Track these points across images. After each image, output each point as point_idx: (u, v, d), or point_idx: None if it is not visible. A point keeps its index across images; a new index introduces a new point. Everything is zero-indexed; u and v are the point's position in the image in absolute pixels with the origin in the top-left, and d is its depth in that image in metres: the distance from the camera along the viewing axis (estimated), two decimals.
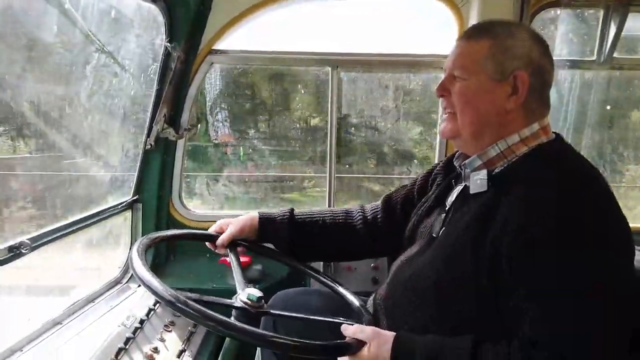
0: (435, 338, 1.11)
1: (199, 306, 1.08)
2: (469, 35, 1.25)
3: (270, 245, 1.63)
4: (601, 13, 2.29)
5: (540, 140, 1.18)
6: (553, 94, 1.26)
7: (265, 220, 1.59)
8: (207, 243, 1.58)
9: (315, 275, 1.59)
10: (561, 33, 2.34)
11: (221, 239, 1.53)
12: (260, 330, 1.13)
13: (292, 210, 1.62)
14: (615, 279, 1.01)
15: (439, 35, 2.40)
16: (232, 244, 1.54)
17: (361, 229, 1.61)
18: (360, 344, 1.16)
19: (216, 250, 1.57)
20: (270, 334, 1.15)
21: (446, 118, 1.27)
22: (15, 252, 1.43)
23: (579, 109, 2.69)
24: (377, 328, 1.20)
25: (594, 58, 2.41)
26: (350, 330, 1.20)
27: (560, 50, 2.39)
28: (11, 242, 1.44)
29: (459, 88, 1.21)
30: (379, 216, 1.61)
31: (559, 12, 2.31)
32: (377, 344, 1.14)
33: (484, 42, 1.19)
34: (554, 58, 1.24)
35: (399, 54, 2.37)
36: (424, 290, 1.20)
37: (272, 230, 1.58)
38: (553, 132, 1.23)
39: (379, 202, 1.65)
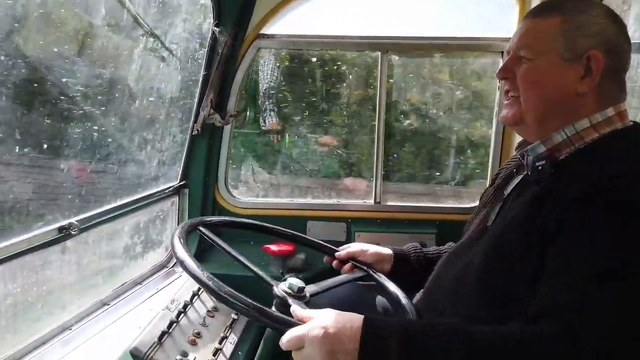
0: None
1: (237, 294, 1.05)
2: (537, 12, 1.15)
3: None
4: None
5: (615, 126, 1.06)
6: None
7: (400, 257, 1.55)
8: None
9: (361, 266, 1.54)
10: (636, 13, 2.13)
11: (339, 254, 1.57)
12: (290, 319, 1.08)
13: (422, 248, 1.59)
14: None
15: (497, 17, 2.26)
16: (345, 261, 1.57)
17: None
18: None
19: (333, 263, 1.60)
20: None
21: (509, 103, 1.17)
22: (64, 233, 1.47)
23: None
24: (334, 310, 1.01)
25: None
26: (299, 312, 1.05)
27: (633, 32, 2.18)
28: (61, 223, 1.48)
29: (526, 69, 1.11)
30: None
31: None
32: (334, 321, 0.95)
33: (554, 19, 1.08)
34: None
35: (454, 37, 2.24)
36: (469, 282, 1.12)
37: (405, 270, 1.54)
38: (631, 120, 1.09)
39: None
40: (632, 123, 1.09)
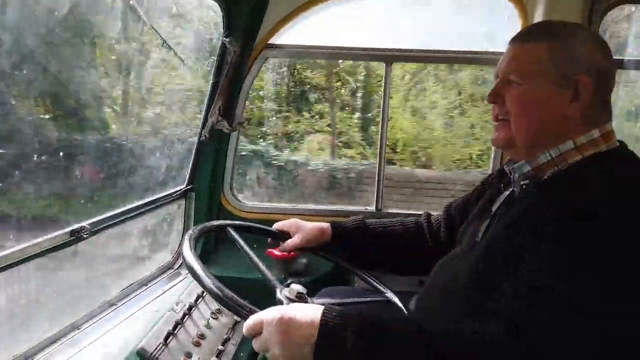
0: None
1: (241, 300, 1.09)
2: (524, 37, 1.17)
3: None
4: None
5: (599, 148, 1.09)
6: (622, 95, 1.19)
7: (339, 232, 1.61)
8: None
9: (361, 274, 1.59)
10: (635, 31, 2.18)
11: (286, 246, 1.62)
12: None
13: (364, 220, 1.63)
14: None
15: (500, 32, 2.30)
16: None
17: (429, 240, 1.60)
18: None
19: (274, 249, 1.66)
20: None
21: (498, 126, 1.20)
22: (76, 236, 1.52)
23: None
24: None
25: None
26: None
27: (632, 49, 2.23)
28: (73, 227, 1.53)
29: (516, 94, 1.14)
30: (441, 226, 1.60)
31: (633, 9, 2.15)
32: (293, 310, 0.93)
33: (543, 44, 1.11)
34: (625, 58, 1.15)
35: (457, 50, 2.28)
36: (458, 295, 1.16)
37: (345, 242, 1.60)
38: (618, 140, 1.13)
39: (441, 212, 1.65)
40: (617, 144, 1.12)
